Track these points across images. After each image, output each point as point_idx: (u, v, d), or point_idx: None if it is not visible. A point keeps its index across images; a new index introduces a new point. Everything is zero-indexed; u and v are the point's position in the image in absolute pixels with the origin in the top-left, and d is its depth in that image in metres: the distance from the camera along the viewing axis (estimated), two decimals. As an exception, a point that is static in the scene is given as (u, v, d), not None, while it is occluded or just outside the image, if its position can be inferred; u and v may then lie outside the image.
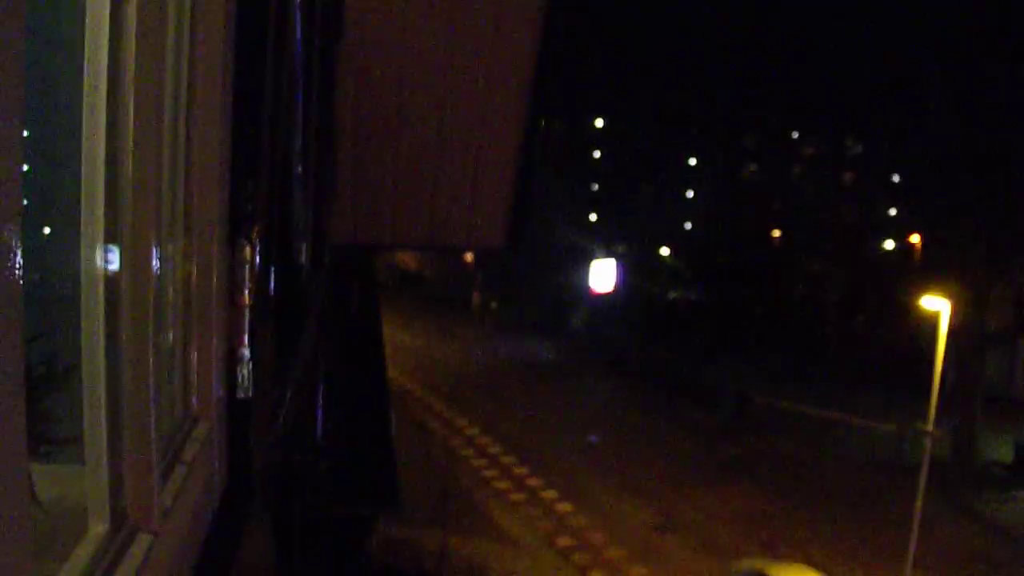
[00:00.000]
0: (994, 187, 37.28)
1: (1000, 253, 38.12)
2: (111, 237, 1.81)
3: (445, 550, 22.85)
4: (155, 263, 1.93)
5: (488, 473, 34.70)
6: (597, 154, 74.25)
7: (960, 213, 38.60)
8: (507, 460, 35.86)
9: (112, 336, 1.83)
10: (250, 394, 2.67)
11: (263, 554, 2.92)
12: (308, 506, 4.79)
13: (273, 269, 3.25)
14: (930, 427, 26.04)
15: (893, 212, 52.56)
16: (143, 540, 1.86)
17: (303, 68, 4.66)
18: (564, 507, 31.82)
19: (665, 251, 68.31)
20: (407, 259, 67.57)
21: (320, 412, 6.53)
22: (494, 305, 60.39)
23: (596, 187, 73.56)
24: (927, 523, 26.39)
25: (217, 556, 2.30)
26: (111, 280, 1.82)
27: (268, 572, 3.12)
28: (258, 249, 2.82)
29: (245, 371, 2.64)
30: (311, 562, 5.38)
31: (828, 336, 47.74)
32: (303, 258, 4.84)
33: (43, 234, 2.50)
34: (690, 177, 73.17)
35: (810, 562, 28.34)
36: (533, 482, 33.75)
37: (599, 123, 75.87)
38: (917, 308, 28.68)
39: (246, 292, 2.62)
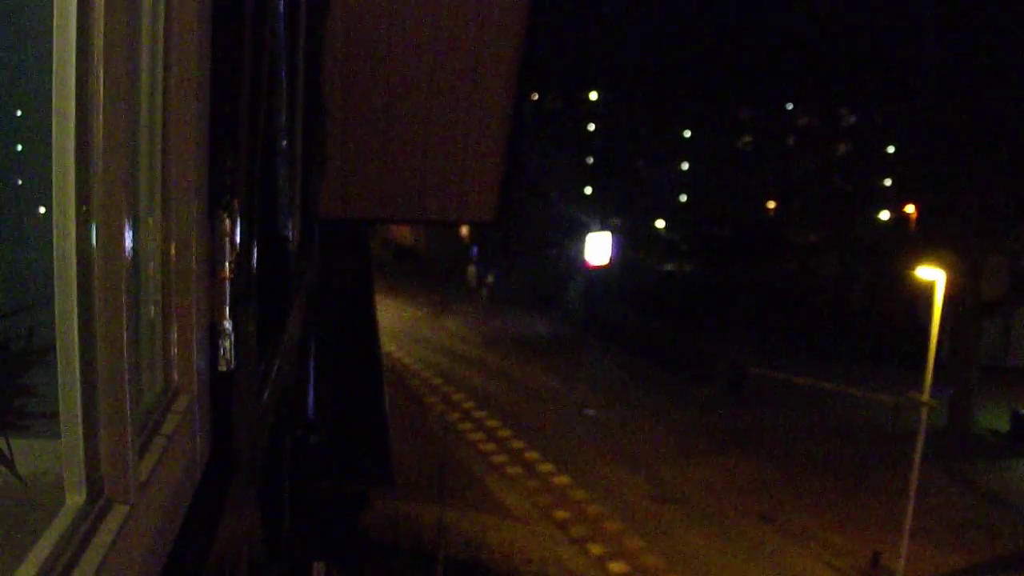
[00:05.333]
0: (990, 154, 37.30)
1: (996, 222, 38.16)
2: (83, 210, 1.80)
3: (443, 524, 22.93)
4: (129, 235, 1.92)
5: (485, 447, 34.82)
6: (592, 127, 74.08)
7: (956, 182, 38.60)
8: (504, 433, 35.98)
9: (86, 310, 1.82)
10: (233, 367, 2.66)
11: (247, 527, 2.92)
12: (297, 481, 4.80)
13: (256, 242, 3.24)
14: (926, 397, 26.13)
15: (888, 183, 52.44)
16: (119, 512, 1.85)
17: (288, 40, 4.63)
18: (562, 480, 31.96)
19: (660, 223, 68.32)
20: (402, 234, 67.54)
21: (311, 387, 6.54)
22: (489, 279, 60.39)
23: (591, 160, 73.43)
24: (924, 492, 26.53)
25: (197, 529, 2.30)
26: (83, 253, 1.81)
27: (253, 546, 3.12)
28: (240, 222, 2.81)
29: (227, 344, 2.63)
30: (302, 537, 5.39)
31: (823, 307, 47.77)
32: (290, 232, 4.82)
33: (18, 208, 2.49)
34: (684, 149, 73.05)
35: (807, 531, 28.52)
36: (531, 456, 33.88)
37: (593, 96, 75.67)
38: (912, 278, 28.72)
39: (227, 265, 2.61)
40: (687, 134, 72.42)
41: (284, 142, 4.57)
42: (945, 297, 26.05)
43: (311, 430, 5.73)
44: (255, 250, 3.20)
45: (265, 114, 3.61)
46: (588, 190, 70.38)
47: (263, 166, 3.60)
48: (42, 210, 1.88)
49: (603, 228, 57.56)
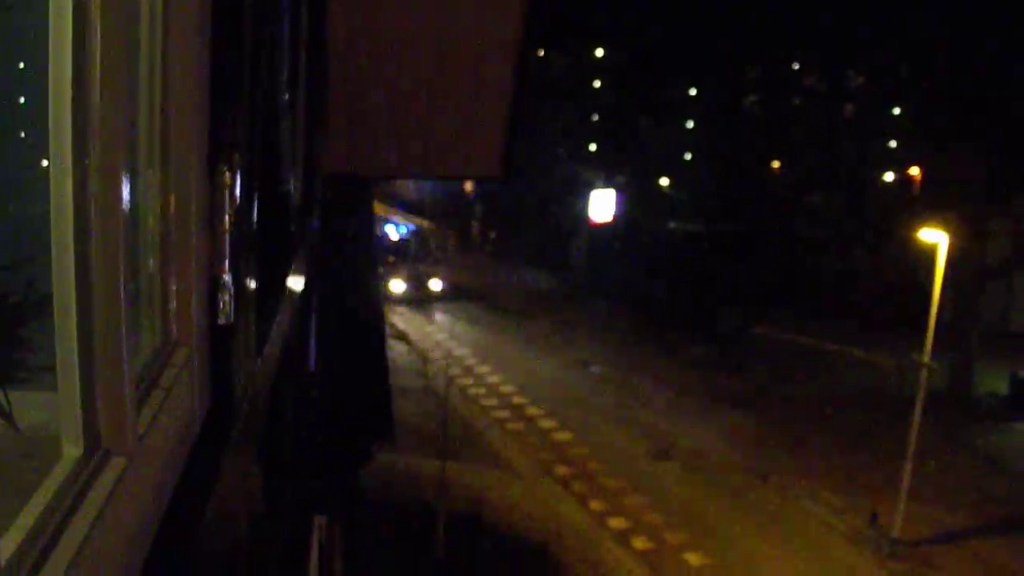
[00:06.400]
0: (995, 117, 37.13)
1: (1000, 185, 38.08)
2: (80, 162, 1.80)
3: (444, 478, 23.05)
4: (128, 188, 1.92)
5: (487, 402, 34.97)
6: (597, 84, 73.64)
7: (960, 145, 38.46)
8: (506, 390, 36.13)
9: (83, 262, 1.82)
10: (232, 320, 2.66)
11: (247, 481, 2.94)
12: (299, 434, 4.82)
13: (257, 197, 3.23)
14: (927, 360, 26.18)
15: (893, 144, 52.29)
16: (117, 463, 1.86)
17: (291, -6, 4.60)
18: (563, 436, 32.14)
19: (665, 182, 68.11)
20: (405, 190, 67.39)
21: (313, 341, 6.55)
22: (493, 235, 60.36)
23: (596, 117, 73.05)
24: (923, 455, 26.65)
25: (196, 482, 2.31)
26: (81, 205, 1.80)
27: (253, 499, 3.14)
28: (240, 176, 2.80)
29: (226, 298, 2.63)
30: (303, 491, 5.42)
31: (827, 269, 47.77)
32: (292, 187, 4.82)
33: (19, 161, 2.48)
34: (690, 108, 72.67)
35: (806, 491, 28.67)
36: (532, 411, 34.03)
37: (599, 53, 75.15)
38: (916, 241, 28.69)
39: (226, 218, 2.60)
40: (692, 92, 72.00)
41: (286, 96, 4.56)
42: (947, 260, 26.03)
43: (313, 384, 5.75)
44: (256, 204, 3.19)
45: (267, 68, 3.60)
46: (593, 147, 70.07)
47: (265, 120, 3.58)
48: (44, 163, 1.87)
49: (608, 185, 57.37)
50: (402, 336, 40.47)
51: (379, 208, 46.21)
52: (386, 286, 43.13)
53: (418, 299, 46.88)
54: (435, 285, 48.03)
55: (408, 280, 47.25)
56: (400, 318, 44.21)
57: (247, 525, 2.98)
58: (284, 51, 4.27)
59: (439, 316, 45.59)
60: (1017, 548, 26.28)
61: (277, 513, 3.96)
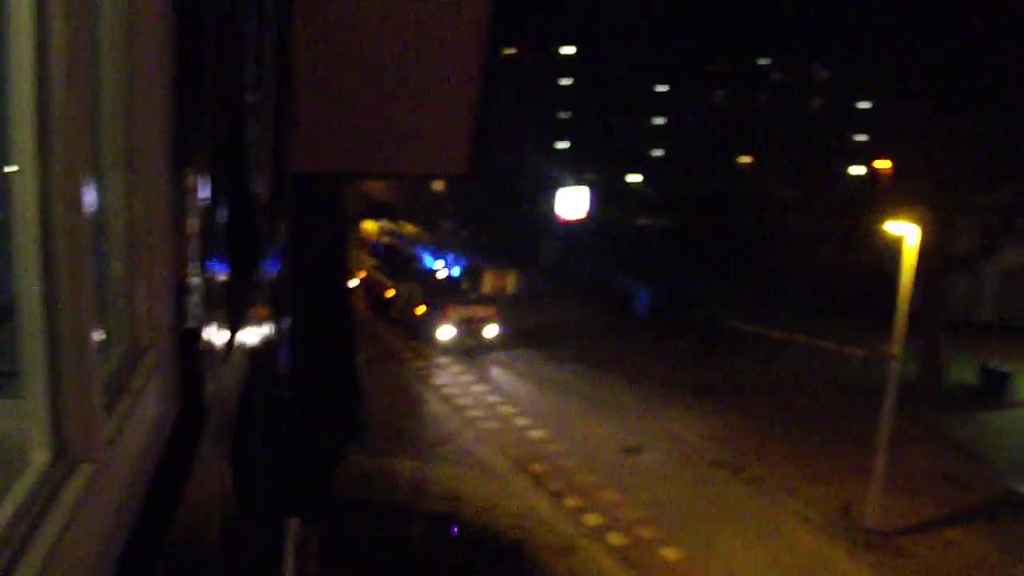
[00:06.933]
0: (964, 111, 37.42)
1: (967, 179, 38.38)
2: (44, 165, 1.77)
3: (418, 479, 23.01)
4: (92, 191, 1.90)
5: (461, 401, 34.94)
6: (566, 82, 73.79)
7: (928, 138, 38.76)
8: (479, 389, 36.10)
9: (48, 267, 1.80)
10: (201, 323, 2.64)
11: (218, 485, 2.92)
12: (270, 436, 4.79)
13: (224, 197, 3.21)
14: (896, 350, 26.39)
15: (861, 138, 52.63)
16: (85, 470, 1.84)
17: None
18: (537, 434, 32.14)
19: (635, 178, 68.30)
20: (376, 190, 67.22)
21: (285, 342, 6.52)
22: (464, 234, 60.27)
23: (565, 115, 73.19)
24: (894, 444, 26.82)
25: (167, 487, 2.29)
26: (46, 209, 1.78)
27: (225, 503, 3.12)
28: (207, 178, 2.78)
29: (195, 300, 2.61)
30: (276, 493, 5.40)
31: (797, 262, 47.99)
32: (259, 187, 4.79)
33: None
34: (659, 104, 72.94)
35: (779, 483, 28.81)
36: (506, 410, 34.03)
37: (568, 50, 75.28)
38: (884, 234, 28.88)
39: (193, 221, 2.58)
40: (661, 89, 72.26)
41: (253, 96, 4.53)
42: (916, 252, 26.23)
43: (284, 385, 5.72)
44: (223, 206, 3.17)
45: (233, 67, 3.57)
46: (563, 145, 70.19)
47: (231, 120, 3.56)
48: (7, 168, 1.85)
49: (578, 183, 57.47)
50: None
51: (421, 235, 45.30)
52: (433, 332, 39.96)
53: (469, 349, 40.60)
54: (490, 332, 41.04)
55: (459, 326, 40.44)
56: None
57: (219, 530, 2.96)
58: (250, 49, 4.24)
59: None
60: (990, 535, 26.49)
61: (250, 517, 3.93)
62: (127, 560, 1.98)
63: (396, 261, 46.76)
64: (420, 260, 44.45)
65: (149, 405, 2.31)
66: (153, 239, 2.41)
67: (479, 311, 40.76)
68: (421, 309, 41.10)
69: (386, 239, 51.34)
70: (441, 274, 42.79)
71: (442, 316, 39.79)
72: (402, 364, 38.58)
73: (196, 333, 2.64)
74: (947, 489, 29.18)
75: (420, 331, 40.91)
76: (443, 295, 40.87)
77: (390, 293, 44.90)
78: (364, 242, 50.88)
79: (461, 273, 42.89)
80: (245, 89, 4.11)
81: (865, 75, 47.04)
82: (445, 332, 39.90)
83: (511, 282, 44.16)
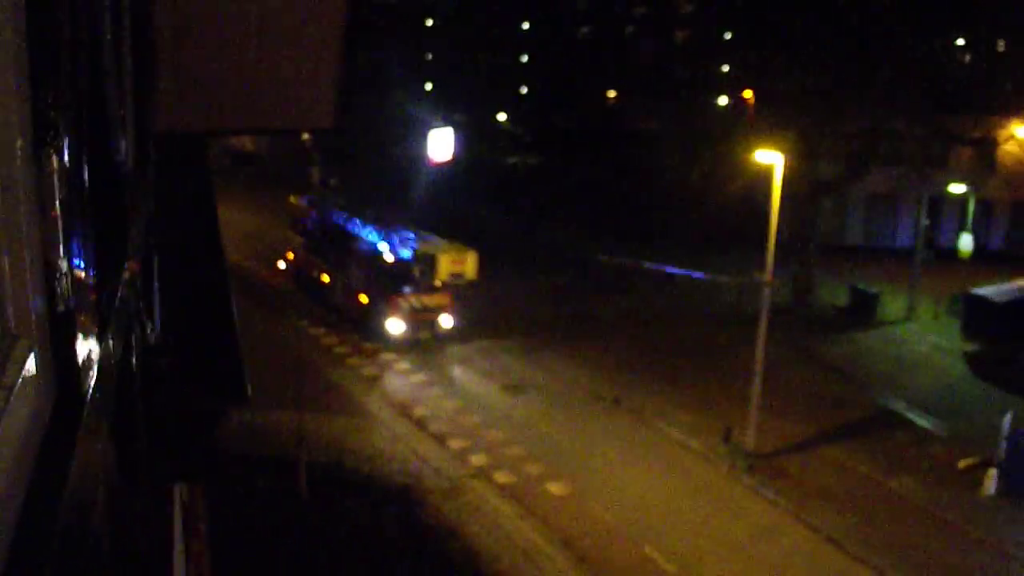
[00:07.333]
0: (827, 38, 38.23)
1: (830, 106, 39.29)
2: None
3: (302, 431, 22.86)
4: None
5: (340, 350, 34.78)
6: (430, 22, 73.10)
7: (791, 68, 39.57)
8: (358, 336, 35.90)
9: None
10: (71, 306, 2.58)
11: (101, 464, 2.88)
12: (150, 406, 4.73)
13: (88, 173, 3.13)
14: (768, 277, 27.05)
15: (726, 69, 53.29)
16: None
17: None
18: (419, 378, 32.20)
19: (503, 117, 68.22)
20: (241, 139, 65.88)
21: (158, 310, 6.41)
22: (333, 181, 59.53)
23: (430, 56, 72.59)
24: (770, 368, 27.63)
25: (49, 475, 2.26)
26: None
27: (110, 480, 3.08)
28: (69, 155, 2.70)
29: (64, 283, 2.55)
30: (158, 461, 5.34)
31: (667, 194, 48.63)
32: (124, 156, 4.67)
33: None
34: (524, 41, 72.84)
35: (660, 413, 29.40)
36: (387, 356, 33.97)
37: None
38: (752, 163, 29.38)
39: (57, 203, 2.52)
40: (525, 26, 72.13)
41: (111, 60, 4.40)
42: (784, 180, 26.78)
43: (160, 353, 5.64)
44: (87, 182, 3.09)
45: (89, 35, 3.47)
46: (429, 86, 69.69)
47: (91, 88, 3.46)
48: None
49: (445, 124, 57.13)
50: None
51: (366, 217, 38.89)
52: (381, 325, 34.98)
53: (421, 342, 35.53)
54: (446, 322, 35.78)
55: (410, 318, 35.11)
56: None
57: (106, 511, 2.92)
58: (105, 12, 4.12)
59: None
60: (864, 452, 27.54)
61: (136, 492, 3.89)
62: (14, 555, 1.95)
63: (330, 241, 39.87)
64: (360, 240, 37.65)
65: (25, 396, 2.27)
66: (16, 225, 2.34)
67: (433, 299, 35.59)
68: (363, 299, 36.48)
69: (316, 212, 42.56)
70: (387, 257, 35.63)
71: (391, 307, 34.97)
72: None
73: (68, 317, 2.58)
74: (822, 409, 30.21)
75: (364, 324, 36.16)
76: (390, 283, 35.26)
77: (325, 278, 39.71)
78: (292, 218, 43.82)
79: (411, 257, 35.66)
80: (104, 51, 4.00)
81: (724, 9, 47.77)
82: (395, 325, 34.95)
83: (470, 266, 36.20)
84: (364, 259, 36.65)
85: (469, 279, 36.11)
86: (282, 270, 43.23)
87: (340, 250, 38.70)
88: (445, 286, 35.76)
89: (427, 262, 35.42)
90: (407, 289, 35.09)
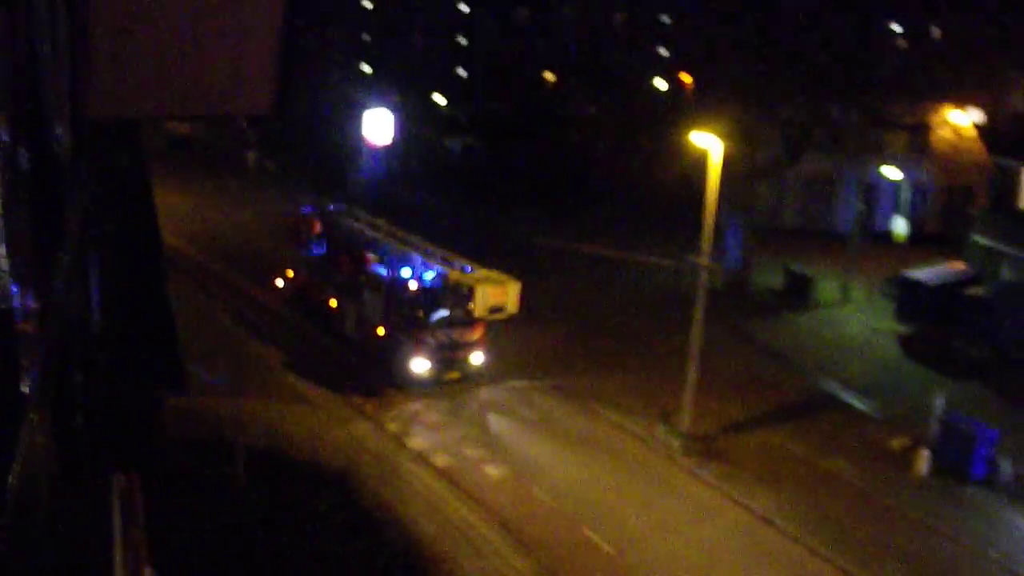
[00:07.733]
0: (764, 24, 38.55)
1: (768, 91, 39.61)
2: None
3: (241, 415, 22.67)
4: None
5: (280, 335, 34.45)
6: (368, 4, 72.64)
7: (728, 52, 39.83)
8: (296, 318, 35.54)
9: None
10: (9, 303, 2.56)
11: (42, 459, 2.86)
12: (89, 399, 4.68)
13: (25, 164, 3.09)
14: (704, 260, 27.22)
15: (664, 52, 53.54)
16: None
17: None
18: (356, 361, 31.96)
19: (441, 99, 68.04)
20: (176, 123, 64.90)
21: (96, 301, 6.33)
22: (269, 164, 58.92)
23: (367, 37, 72.14)
24: (707, 350, 27.79)
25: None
26: None
27: (51, 475, 3.06)
28: (5, 144, 2.68)
29: (3, 281, 2.53)
30: (96, 453, 5.29)
31: (605, 178, 48.82)
32: (61, 144, 4.61)
33: None
34: (462, 23, 72.67)
35: (599, 396, 29.49)
36: (325, 341, 33.67)
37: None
38: (689, 146, 29.44)
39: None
40: (464, 8, 71.92)
41: (47, 46, 4.34)
42: (721, 163, 26.90)
43: (99, 346, 5.58)
44: (23, 172, 3.06)
45: (24, 20, 3.42)
46: (366, 68, 69.27)
47: (27, 76, 3.41)
48: None
49: (383, 106, 56.80)
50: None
51: (388, 239, 33.23)
52: (405, 366, 29.92)
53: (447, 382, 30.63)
54: (477, 359, 30.75)
55: (436, 355, 30.20)
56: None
57: (46, 501, 2.90)
58: (40, 5, 4.06)
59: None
60: (798, 432, 27.90)
61: (75, 483, 3.86)
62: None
63: (340, 265, 33.90)
64: (374, 264, 32.17)
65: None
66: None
67: (463, 334, 30.71)
68: (380, 331, 31.39)
69: (323, 226, 35.55)
70: (412, 285, 30.48)
71: (415, 343, 30.11)
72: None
73: (6, 314, 2.56)
74: (759, 391, 30.51)
75: (384, 362, 30.86)
76: (414, 315, 30.36)
77: (333, 303, 34.24)
78: (293, 230, 36.65)
79: (441, 284, 30.26)
80: (39, 41, 3.95)
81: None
82: (419, 365, 30.00)
83: (512, 297, 29.89)
84: (381, 285, 31.68)
85: (511, 313, 30.18)
86: (279, 288, 37.40)
87: (352, 272, 33.25)
88: (479, 319, 30.25)
89: (459, 291, 29.83)
90: (432, 323, 30.26)
